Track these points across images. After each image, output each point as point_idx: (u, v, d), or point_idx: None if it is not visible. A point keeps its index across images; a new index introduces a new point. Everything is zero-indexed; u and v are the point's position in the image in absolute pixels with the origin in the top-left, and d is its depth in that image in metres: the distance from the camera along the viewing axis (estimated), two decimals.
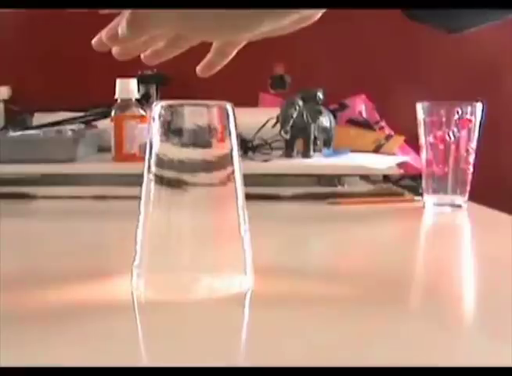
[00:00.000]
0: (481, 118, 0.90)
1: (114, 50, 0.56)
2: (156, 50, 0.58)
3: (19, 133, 1.17)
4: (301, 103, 1.13)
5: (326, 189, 1.02)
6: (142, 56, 0.59)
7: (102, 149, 1.20)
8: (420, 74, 1.64)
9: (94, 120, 1.29)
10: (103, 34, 0.54)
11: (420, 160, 0.96)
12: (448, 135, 0.89)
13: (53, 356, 0.38)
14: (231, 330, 0.44)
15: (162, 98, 1.47)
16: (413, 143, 1.07)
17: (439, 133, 0.90)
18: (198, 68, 0.59)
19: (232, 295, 0.50)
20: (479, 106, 0.90)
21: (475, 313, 0.50)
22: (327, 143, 1.18)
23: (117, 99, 1.12)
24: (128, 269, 0.51)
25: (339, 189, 1.03)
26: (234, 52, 0.58)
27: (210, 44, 0.58)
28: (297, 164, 1.10)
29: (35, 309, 0.47)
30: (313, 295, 0.51)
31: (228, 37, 0.55)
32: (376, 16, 1.36)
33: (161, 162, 0.49)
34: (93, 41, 0.55)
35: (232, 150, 0.50)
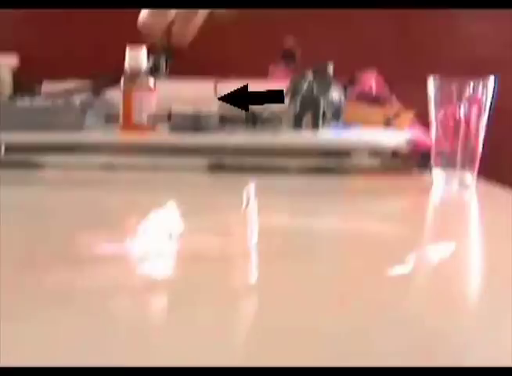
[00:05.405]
0: (493, 94, 0.89)
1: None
2: None
3: (27, 102, 1.16)
4: (311, 76, 1.12)
5: (335, 163, 1.02)
6: None
7: (110, 118, 1.19)
8: (431, 50, 1.62)
9: (103, 89, 1.28)
10: None
11: (429, 137, 0.95)
12: (459, 112, 0.89)
13: (58, 338, 0.38)
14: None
15: (171, 70, 1.46)
16: (423, 119, 1.06)
17: (449, 109, 0.89)
18: None
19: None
20: (491, 82, 0.89)
21: (480, 295, 0.50)
22: (336, 118, 1.17)
23: (126, 69, 1.11)
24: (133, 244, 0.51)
25: (347, 163, 1.03)
26: None
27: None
28: (305, 138, 1.09)
29: (40, 288, 0.47)
30: (322, 268, 0.51)
31: None
32: None
33: None
34: None
35: None
